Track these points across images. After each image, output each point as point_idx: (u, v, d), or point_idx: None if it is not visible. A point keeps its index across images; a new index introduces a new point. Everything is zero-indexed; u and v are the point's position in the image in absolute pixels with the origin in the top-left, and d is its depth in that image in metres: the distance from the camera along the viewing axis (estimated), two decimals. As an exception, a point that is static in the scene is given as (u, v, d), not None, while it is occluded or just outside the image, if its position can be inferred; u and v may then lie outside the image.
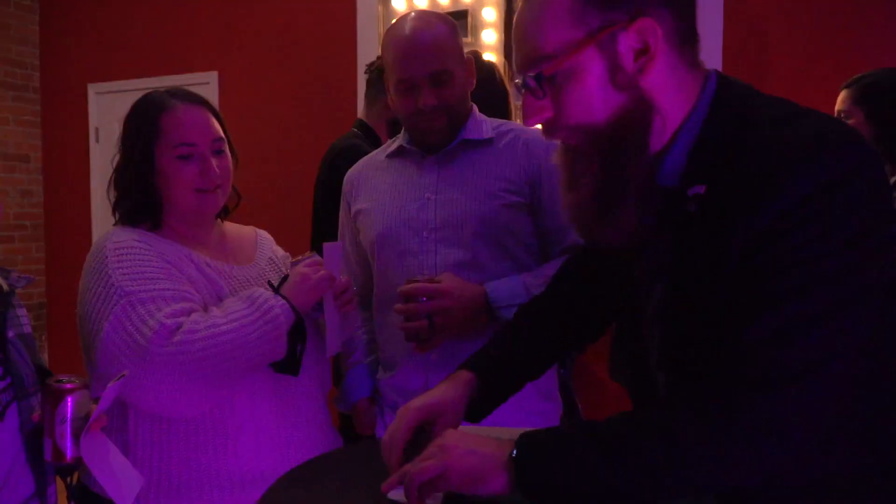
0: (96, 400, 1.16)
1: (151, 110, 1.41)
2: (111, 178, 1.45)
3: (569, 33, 0.86)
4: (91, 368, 1.31)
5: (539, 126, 0.94)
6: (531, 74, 0.90)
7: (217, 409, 1.34)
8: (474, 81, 1.60)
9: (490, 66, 2.30)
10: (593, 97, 0.87)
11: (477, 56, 2.32)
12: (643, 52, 0.86)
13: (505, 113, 2.24)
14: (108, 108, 4.52)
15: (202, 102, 1.45)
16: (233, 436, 1.35)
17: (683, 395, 0.84)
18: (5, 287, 1.23)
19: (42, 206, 4.79)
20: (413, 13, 1.56)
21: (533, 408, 1.31)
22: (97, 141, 4.60)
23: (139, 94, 1.47)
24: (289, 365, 1.37)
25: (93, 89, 4.58)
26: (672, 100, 0.88)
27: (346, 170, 1.78)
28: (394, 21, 1.58)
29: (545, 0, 0.88)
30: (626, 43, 0.85)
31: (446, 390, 1.10)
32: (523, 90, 0.93)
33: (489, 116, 1.67)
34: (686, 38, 0.89)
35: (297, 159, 3.89)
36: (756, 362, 0.77)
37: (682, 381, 0.89)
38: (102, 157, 4.54)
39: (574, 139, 0.91)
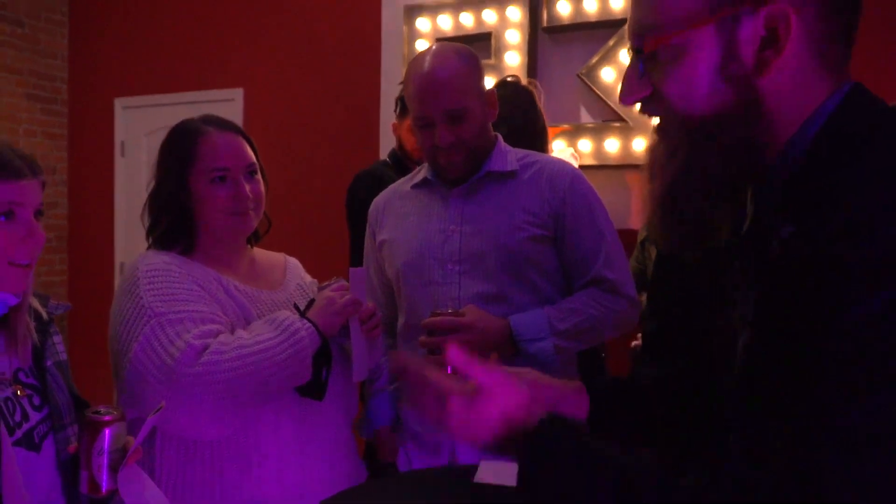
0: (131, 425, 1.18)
1: (188, 137, 1.45)
2: (146, 203, 1.49)
3: (686, 3, 0.75)
4: (119, 388, 1.34)
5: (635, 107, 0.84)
6: (633, 46, 0.80)
7: (241, 433, 1.35)
8: (496, 112, 1.62)
9: (527, 92, 2.33)
10: (696, 84, 0.75)
11: (515, 82, 2.37)
12: (770, 42, 0.72)
13: (541, 141, 2.27)
14: (134, 122, 4.58)
15: (236, 130, 1.49)
16: (256, 461, 1.36)
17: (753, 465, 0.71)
18: (45, 316, 1.25)
19: (66, 218, 4.86)
20: (433, 48, 1.58)
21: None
22: (122, 155, 4.66)
23: (165, 110, 1.51)
24: (314, 389, 1.38)
25: (119, 103, 4.64)
26: (789, 105, 0.75)
27: (365, 195, 1.79)
28: (415, 56, 1.60)
29: None
30: (751, 28, 0.72)
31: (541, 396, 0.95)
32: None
33: (525, 142, 1.68)
34: (834, 37, 0.74)
35: (321, 177, 3.93)
36: (839, 424, 0.64)
37: (759, 444, 0.78)
38: (127, 171, 4.61)
39: (666, 123, 0.81)
